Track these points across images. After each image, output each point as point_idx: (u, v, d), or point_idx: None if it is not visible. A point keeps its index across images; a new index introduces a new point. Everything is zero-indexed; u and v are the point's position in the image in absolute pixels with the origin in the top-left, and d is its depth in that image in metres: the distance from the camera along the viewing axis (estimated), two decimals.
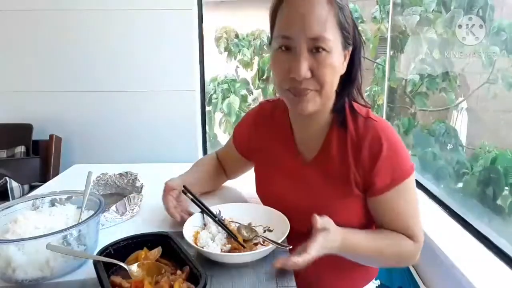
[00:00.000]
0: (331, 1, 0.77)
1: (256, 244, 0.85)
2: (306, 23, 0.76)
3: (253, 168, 1.09)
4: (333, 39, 0.77)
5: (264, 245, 0.84)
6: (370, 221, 0.89)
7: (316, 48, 0.77)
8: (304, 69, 0.77)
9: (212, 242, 0.82)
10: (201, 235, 0.84)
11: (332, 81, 0.81)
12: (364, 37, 3.31)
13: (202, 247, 0.80)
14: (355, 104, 0.89)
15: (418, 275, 1.26)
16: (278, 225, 0.87)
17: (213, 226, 0.87)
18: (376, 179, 0.83)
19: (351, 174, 0.85)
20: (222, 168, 1.18)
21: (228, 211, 0.95)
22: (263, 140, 1.01)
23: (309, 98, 0.81)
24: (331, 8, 0.76)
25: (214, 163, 1.17)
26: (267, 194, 1.00)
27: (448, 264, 1.02)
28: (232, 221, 0.92)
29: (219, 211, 0.94)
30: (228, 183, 1.24)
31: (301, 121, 0.93)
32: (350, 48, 0.83)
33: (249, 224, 0.91)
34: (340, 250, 0.78)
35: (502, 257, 1.02)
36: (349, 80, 0.87)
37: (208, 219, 0.90)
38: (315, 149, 0.91)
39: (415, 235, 0.85)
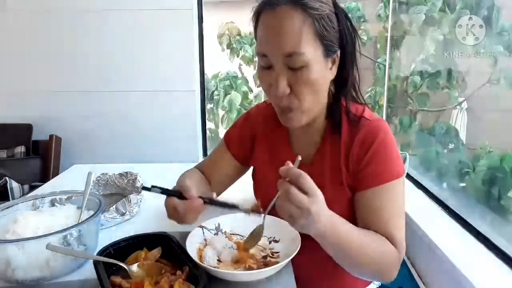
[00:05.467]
0: (304, 13, 0.74)
1: (265, 257, 0.82)
2: (279, 40, 0.75)
3: (241, 177, 1.07)
4: (310, 52, 0.75)
5: (274, 257, 0.81)
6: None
7: (293, 63, 0.75)
8: (282, 87, 0.76)
9: (219, 260, 0.79)
10: (206, 253, 0.80)
11: (314, 96, 0.80)
12: (366, 37, 3.29)
13: (213, 267, 0.76)
14: (352, 105, 0.87)
15: (418, 275, 1.26)
16: (284, 234, 0.84)
17: (217, 242, 0.83)
18: (362, 172, 0.82)
19: (343, 177, 0.84)
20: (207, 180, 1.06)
21: (228, 224, 0.90)
22: (259, 142, 1.00)
23: (293, 116, 0.81)
24: (304, 20, 0.74)
25: (199, 174, 1.04)
26: (265, 197, 0.99)
27: (448, 264, 1.02)
28: (233, 234, 0.89)
29: (219, 224, 0.90)
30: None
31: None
32: (338, 52, 0.81)
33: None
34: (326, 227, 0.69)
35: (502, 257, 1.02)
36: (342, 81, 0.85)
37: (209, 235, 0.87)
38: (311, 153, 0.90)
39: (397, 242, 0.79)
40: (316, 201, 0.65)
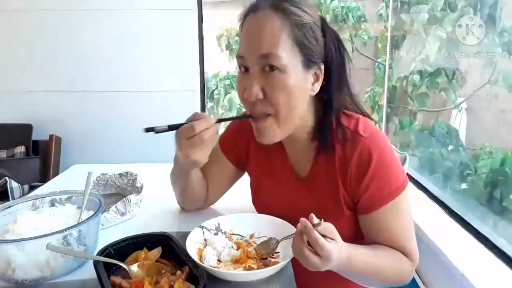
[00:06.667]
0: (284, 17, 0.74)
1: (265, 258, 0.81)
2: (256, 40, 0.74)
3: (241, 179, 1.06)
4: (286, 56, 0.73)
5: (274, 257, 0.81)
6: (361, 240, 0.85)
7: (270, 66, 0.73)
8: (255, 89, 0.74)
9: (219, 260, 0.79)
10: (206, 253, 0.79)
11: (289, 104, 0.76)
12: (366, 36, 3.29)
13: (213, 267, 0.76)
14: (343, 117, 0.84)
15: (418, 275, 1.26)
16: (284, 234, 0.83)
17: (217, 242, 0.83)
18: (365, 196, 0.80)
19: (340, 194, 0.82)
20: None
21: (228, 223, 0.90)
22: (255, 150, 0.97)
23: (267, 126, 0.78)
24: (284, 23, 0.73)
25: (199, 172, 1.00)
26: (263, 208, 0.98)
27: (448, 264, 1.02)
28: (233, 234, 0.88)
29: (219, 224, 0.89)
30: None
31: (286, 142, 0.90)
32: (322, 67, 0.78)
33: (252, 235, 0.88)
34: (343, 266, 0.72)
35: (502, 257, 1.02)
36: (327, 102, 0.81)
37: (209, 235, 0.86)
38: (306, 169, 0.88)
39: (411, 254, 0.81)
40: (327, 261, 0.67)
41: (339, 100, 0.82)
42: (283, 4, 0.75)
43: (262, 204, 0.99)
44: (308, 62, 0.76)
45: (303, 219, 0.67)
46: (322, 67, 0.78)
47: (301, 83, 0.76)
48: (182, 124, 0.76)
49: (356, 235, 0.85)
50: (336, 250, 0.67)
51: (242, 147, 1.00)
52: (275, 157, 0.94)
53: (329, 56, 0.79)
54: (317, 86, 0.79)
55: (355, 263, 0.73)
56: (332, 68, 0.79)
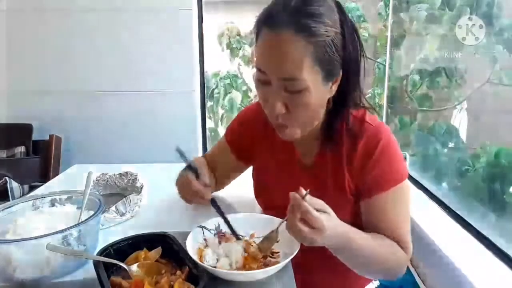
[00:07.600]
0: (307, 40, 0.70)
1: (265, 257, 0.81)
2: (278, 63, 0.72)
3: (241, 174, 1.08)
4: (309, 78, 0.72)
5: (273, 257, 0.81)
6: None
7: (291, 87, 0.74)
8: (278, 107, 0.75)
9: (220, 259, 0.79)
10: (206, 253, 0.80)
11: (311, 116, 0.79)
12: (366, 34, 3.28)
13: (214, 267, 0.76)
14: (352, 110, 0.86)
15: (418, 275, 1.26)
16: (284, 234, 0.82)
17: (217, 242, 0.84)
18: (368, 178, 0.82)
19: (346, 181, 0.84)
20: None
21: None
22: (260, 140, 0.99)
23: (288, 132, 0.81)
24: (307, 47, 0.70)
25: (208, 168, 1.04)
26: (266, 198, 0.99)
27: (448, 264, 1.02)
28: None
29: (219, 224, 0.90)
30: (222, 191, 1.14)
31: None
32: (340, 73, 0.78)
33: (252, 235, 0.88)
34: (338, 244, 0.74)
35: (502, 257, 1.02)
36: (341, 99, 0.82)
37: (209, 235, 0.87)
38: (312, 156, 0.90)
39: (406, 247, 0.82)
40: (321, 232, 0.68)
41: (353, 95, 0.83)
42: (306, 23, 0.70)
43: (263, 193, 1.00)
44: (328, 76, 0.76)
45: (292, 193, 0.69)
46: (341, 72, 0.78)
47: (321, 95, 0.78)
48: (193, 166, 0.88)
49: (356, 225, 0.86)
50: (328, 221, 0.68)
51: (247, 138, 1.01)
52: (281, 145, 0.94)
53: (346, 59, 0.77)
54: (335, 88, 0.80)
55: (353, 241, 0.75)
56: (349, 68, 0.78)
